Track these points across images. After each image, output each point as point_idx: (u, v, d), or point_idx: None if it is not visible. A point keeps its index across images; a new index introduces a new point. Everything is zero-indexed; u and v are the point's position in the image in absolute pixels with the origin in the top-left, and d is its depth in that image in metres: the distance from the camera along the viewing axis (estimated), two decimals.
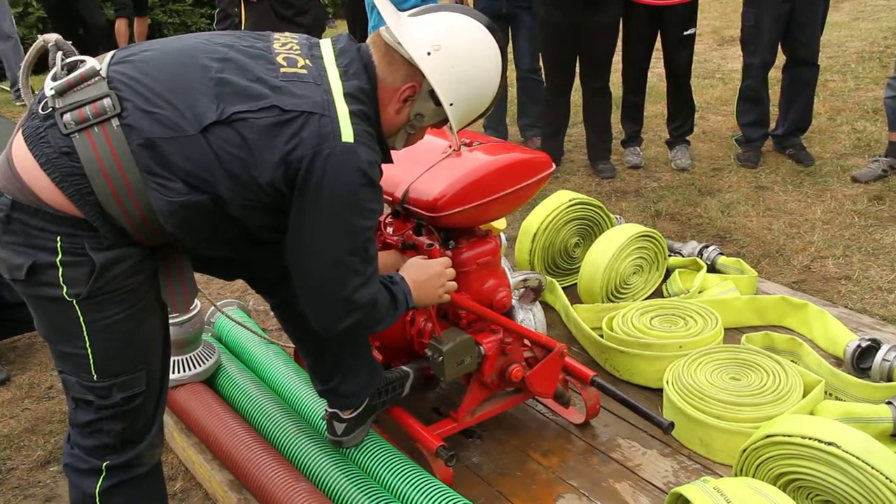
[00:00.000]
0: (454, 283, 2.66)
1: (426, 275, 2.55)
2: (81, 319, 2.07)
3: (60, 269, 2.02)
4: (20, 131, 2.04)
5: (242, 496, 2.87)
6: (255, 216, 2.13)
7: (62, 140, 1.98)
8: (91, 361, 2.12)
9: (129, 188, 1.99)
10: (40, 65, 2.20)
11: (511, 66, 6.19)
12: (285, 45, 2.20)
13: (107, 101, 1.99)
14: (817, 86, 6.08)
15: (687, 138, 6.30)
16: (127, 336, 2.14)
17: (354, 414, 2.78)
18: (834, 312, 3.75)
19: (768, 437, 2.55)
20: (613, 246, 3.93)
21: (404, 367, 2.99)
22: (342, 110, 2.08)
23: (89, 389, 2.15)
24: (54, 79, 2.03)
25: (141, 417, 2.25)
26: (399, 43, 2.20)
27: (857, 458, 2.37)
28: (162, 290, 2.23)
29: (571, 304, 3.90)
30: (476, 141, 2.97)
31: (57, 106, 1.99)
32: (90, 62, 2.06)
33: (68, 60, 2.06)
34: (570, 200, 4.17)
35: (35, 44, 2.14)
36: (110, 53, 2.13)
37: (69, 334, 2.10)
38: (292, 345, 3.52)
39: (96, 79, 2.02)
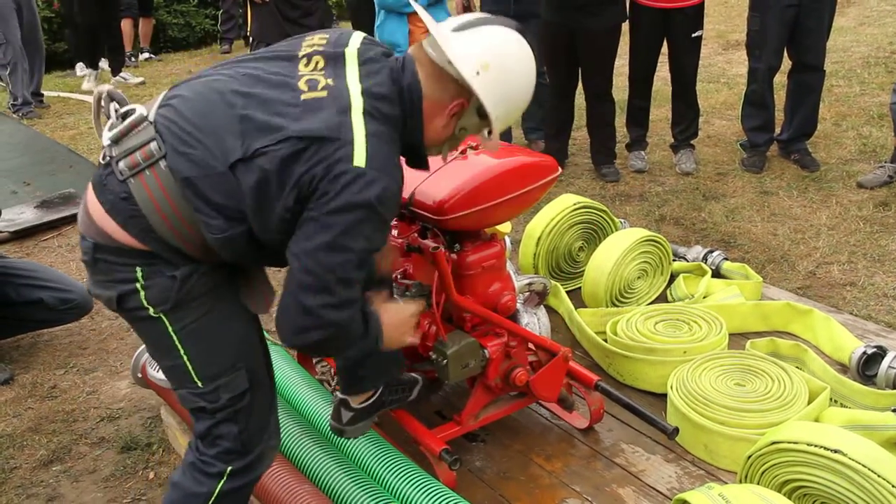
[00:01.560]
0: (418, 332, 2.61)
1: (398, 319, 2.46)
2: (170, 330, 2.19)
3: (142, 293, 2.15)
4: (91, 182, 2.19)
5: None
6: (284, 242, 2.14)
7: (120, 186, 2.11)
8: (190, 368, 2.23)
9: (185, 222, 2.10)
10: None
11: None
12: (310, 61, 2.20)
13: (153, 146, 2.10)
14: (823, 91, 6.07)
15: (692, 142, 6.30)
16: (216, 337, 2.24)
17: (364, 405, 2.79)
18: (839, 319, 3.75)
19: (773, 443, 2.54)
20: (618, 250, 3.93)
21: (414, 374, 3.00)
22: (359, 131, 2.07)
23: (198, 396, 2.26)
24: (110, 128, 2.15)
25: (254, 416, 2.34)
26: (449, 62, 2.21)
27: (863, 465, 2.36)
28: (241, 292, 2.31)
29: (575, 309, 3.90)
30: (479, 144, 2.97)
31: (113, 154, 2.12)
32: (139, 110, 2.16)
33: (123, 110, 2.17)
34: (574, 204, 4.17)
35: (93, 95, 2.25)
36: (161, 96, 2.23)
37: (165, 348, 2.22)
38: None
39: (144, 124, 2.13)
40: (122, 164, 2.10)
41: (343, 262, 2.06)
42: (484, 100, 2.23)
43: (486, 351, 2.87)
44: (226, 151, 2.07)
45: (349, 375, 2.77)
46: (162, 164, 2.08)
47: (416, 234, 2.98)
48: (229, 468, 2.33)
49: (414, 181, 2.83)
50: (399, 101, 2.21)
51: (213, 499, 2.34)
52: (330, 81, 2.14)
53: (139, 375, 3.49)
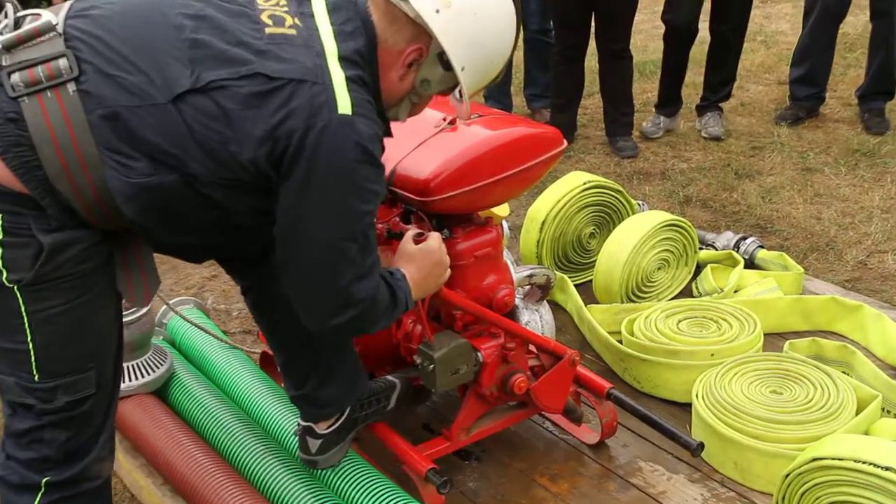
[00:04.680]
0: (449, 269, 2.67)
1: (427, 268, 2.55)
2: (23, 309, 2.08)
3: (0, 251, 2.03)
4: None
5: None
6: (234, 197, 2.14)
7: (8, 104, 1.98)
8: (32, 358, 2.12)
9: (83, 163, 2.00)
10: None
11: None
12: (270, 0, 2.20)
13: (62, 62, 1.99)
14: None
15: (721, 105, 6.35)
16: (74, 329, 2.15)
17: (332, 429, 2.79)
18: (893, 316, 3.76)
19: (815, 460, 2.56)
20: (635, 237, 3.95)
21: (390, 377, 2.99)
22: (338, 77, 2.09)
23: (29, 392, 2.16)
24: (2, 31, 2.03)
25: (89, 425, 2.26)
26: None
27: None
28: (118, 279, 2.24)
29: (585, 305, 3.91)
30: (475, 113, 2.97)
31: (4, 64, 2.00)
32: (45, 15, 2.05)
33: (20, 14, 2.06)
34: (584, 183, 4.18)
35: None
36: (66, 4, 2.12)
37: (7, 327, 2.11)
38: (258, 350, 3.54)
39: (51, 34, 2.02)
40: (16, 77, 1.97)
41: (361, 227, 2.15)
42: (445, 44, 2.23)
43: (479, 354, 2.88)
44: (169, 80, 2.02)
45: (309, 402, 2.77)
46: (70, 87, 1.98)
47: (397, 219, 2.99)
48: (45, 479, 2.23)
49: (395, 156, 2.83)
50: (366, 40, 2.20)
51: None
52: (297, 21, 2.15)
53: None
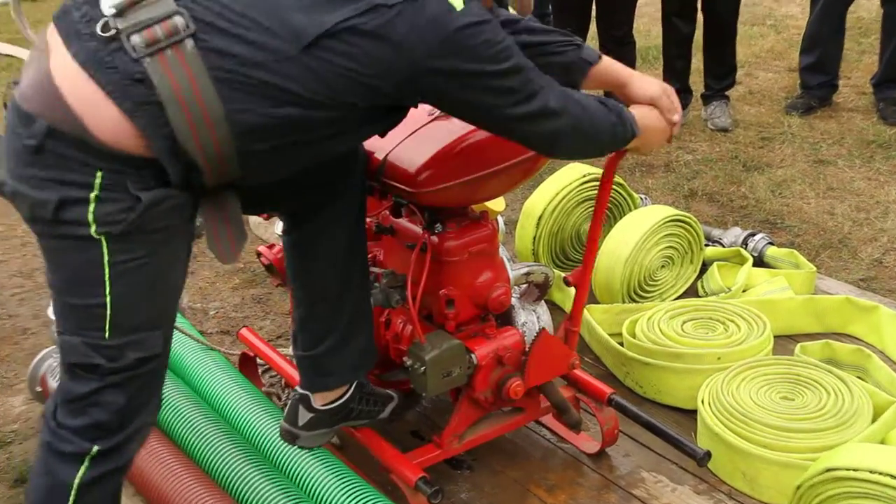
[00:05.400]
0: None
1: (659, 125, 2.72)
2: (106, 260, 2.14)
3: (92, 206, 2.09)
4: (69, 55, 2.09)
5: None
6: (355, 130, 2.35)
7: (133, 65, 2.05)
8: (108, 313, 2.18)
9: (208, 118, 2.08)
10: None
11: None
12: None
13: (178, 20, 2.07)
14: None
15: (727, 94, 6.37)
16: (152, 284, 2.23)
17: (328, 406, 2.83)
18: None
19: (828, 470, 2.57)
20: (637, 233, 3.97)
21: (390, 391, 3.04)
22: None
23: (97, 350, 2.21)
24: None
25: (149, 388, 2.34)
26: None
27: None
28: (207, 236, 2.31)
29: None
30: None
31: (120, 27, 2.07)
32: None
33: None
34: (583, 176, 4.20)
35: None
36: None
37: (86, 280, 2.17)
38: (236, 352, 3.55)
39: None
40: (136, 38, 2.05)
41: (524, 80, 2.32)
42: None
43: (473, 356, 2.88)
44: (295, 30, 2.10)
45: (315, 366, 2.80)
46: (188, 43, 2.07)
47: (387, 212, 3.00)
48: (95, 448, 2.27)
49: (386, 145, 2.83)
50: None
51: (72, 494, 2.28)
52: None
53: (38, 389, 3.49)
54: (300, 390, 2.85)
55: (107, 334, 2.20)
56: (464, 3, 2.19)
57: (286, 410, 2.87)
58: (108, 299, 2.17)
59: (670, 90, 2.75)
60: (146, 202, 2.11)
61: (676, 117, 2.74)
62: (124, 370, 2.24)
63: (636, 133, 2.60)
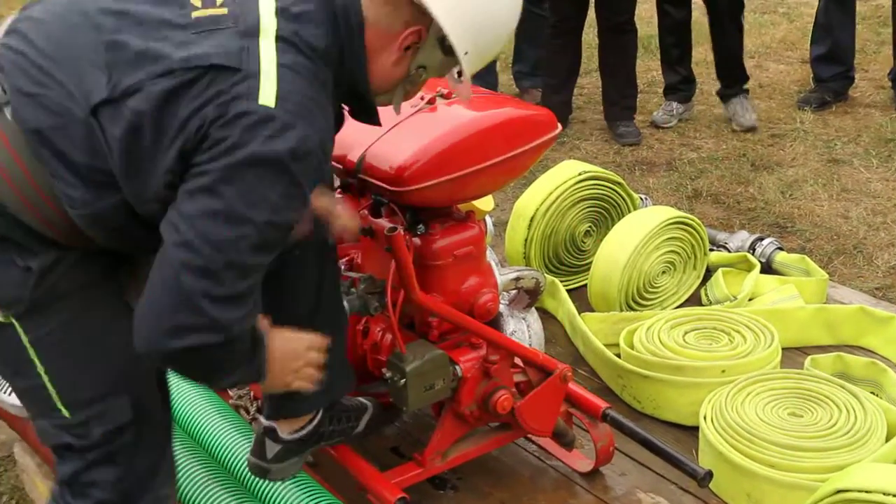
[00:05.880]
0: (313, 375, 2.49)
1: (289, 350, 2.38)
2: (25, 340, 2.15)
3: None
4: None
5: None
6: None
7: None
8: (52, 391, 2.19)
9: (40, 192, 2.06)
10: None
11: None
12: None
13: None
14: None
15: (745, 87, 6.36)
16: (86, 350, 2.20)
17: (296, 435, 2.78)
18: None
19: (839, 492, 2.56)
20: (636, 236, 3.95)
21: (362, 399, 3.00)
22: (268, 61, 2.04)
23: (63, 429, 2.23)
24: None
25: (140, 458, 2.31)
26: None
27: None
28: (126, 289, 2.27)
29: (579, 313, 3.92)
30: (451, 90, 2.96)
31: None
32: None
33: None
34: (579, 174, 4.18)
35: None
36: (7, 21, 2.17)
37: (18, 363, 2.20)
38: None
39: None
40: None
41: (237, 237, 2.00)
42: (447, 28, 2.23)
43: (457, 367, 2.87)
44: (87, 91, 2.03)
45: (279, 397, 2.74)
46: (7, 112, 2.05)
47: (366, 212, 2.98)
48: None
49: (365, 140, 2.83)
50: (332, 28, 2.16)
51: None
52: None
53: None
54: (265, 422, 2.79)
55: (64, 412, 2.21)
56: (277, 98, 2.01)
57: (252, 444, 2.83)
58: (45, 378, 2.18)
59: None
60: (37, 270, 2.08)
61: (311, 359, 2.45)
62: (97, 446, 2.24)
63: (261, 378, 2.31)
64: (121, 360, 2.24)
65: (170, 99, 2.00)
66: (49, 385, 2.19)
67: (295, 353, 2.39)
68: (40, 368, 2.18)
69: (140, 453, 2.31)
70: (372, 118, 2.39)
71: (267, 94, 2.00)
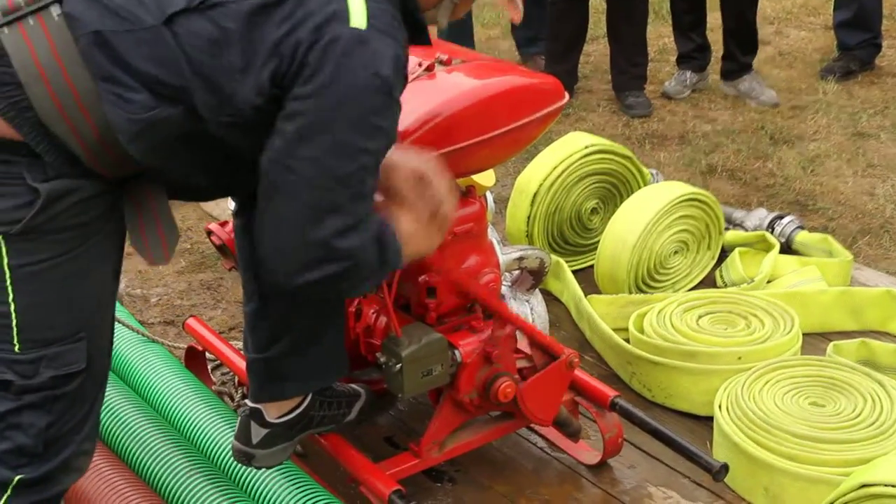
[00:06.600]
0: (448, 218, 2.56)
1: (422, 221, 2.47)
2: (5, 263, 2.15)
3: None
4: None
5: None
6: (243, 138, 2.20)
7: None
8: (14, 323, 2.19)
9: (79, 100, 2.07)
10: None
11: None
12: None
13: None
14: None
15: (751, 62, 6.37)
16: (64, 290, 2.22)
17: (284, 419, 2.81)
18: None
19: (863, 486, 2.57)
20: (647, 214, 3.98)
21: (355, 386, 3.02)
22: None
23: (8, 365, 2.21)
24: None
25: (75, 409, 2.31)
26: None
27: None
28: (131, 234, 2.31)
29: (585, 295, 3.94)
30: (457, 58, 2.98)
31: None
32: None
33: None
34: (585, 147, 4.20)
35: None
36: None
37: None
38: (182, 345, 3.55)
39: None
40: None
41: (358, 168, 2.14)
42: None
43: (457, 352, 2.88)
44: None
45: (268, 370, 2.77)
46: (54, 10, 2.06)
47: None
48: (17, 477, 2.27)
49: None
50: None
51: None
52: None
53: None
54: (250, 403, 2.82)
55: (16, 347, 2.21)
56: (367, 18, 2.11)
57: (237, 428, 2.85)
58: (11, 307, 2.18)
59: (426, 169, 2.51)
60: (46, 195, 2.10)
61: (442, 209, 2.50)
62: (40, 389, 2.24)
63: (397, 267, 2.41)
64: (91, 306, 2.29)
65: (257, 19, 2.08)
66: (13, 315, 2.18)
67: (428, 225, 2.47)
68: (10, 295, 2.17)
69: (77, 404, 2.31)
70: (421, 36, 2.41)
71: (357, 16, 2.09)
